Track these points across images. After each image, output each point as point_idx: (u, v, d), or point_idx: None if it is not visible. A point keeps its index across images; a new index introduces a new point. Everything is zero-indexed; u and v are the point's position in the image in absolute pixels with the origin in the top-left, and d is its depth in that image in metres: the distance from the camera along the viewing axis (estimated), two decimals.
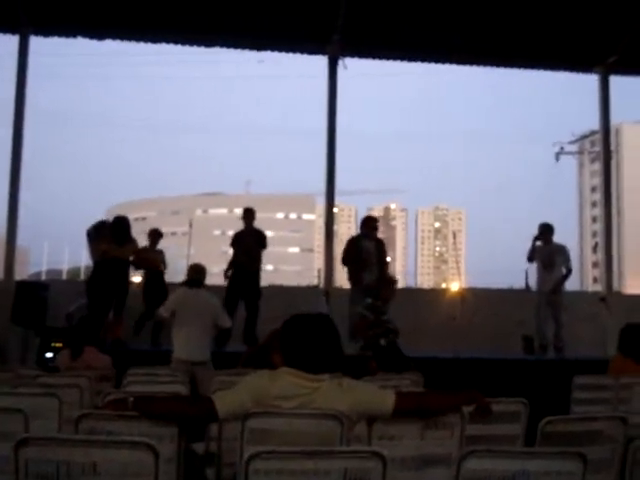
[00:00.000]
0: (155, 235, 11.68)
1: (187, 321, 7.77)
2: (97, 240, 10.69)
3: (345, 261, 10.69)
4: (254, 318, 10.54)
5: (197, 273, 8.35)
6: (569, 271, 11.22)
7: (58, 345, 8.88)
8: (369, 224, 11.02)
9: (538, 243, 11.23)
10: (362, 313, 8.67)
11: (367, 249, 10.62)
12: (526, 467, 2.77)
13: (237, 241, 11.06)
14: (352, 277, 10.67)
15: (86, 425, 3.21)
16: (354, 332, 8.86)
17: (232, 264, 11.03)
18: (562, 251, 11.18)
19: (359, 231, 11.42)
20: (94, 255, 10.73)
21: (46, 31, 11.60)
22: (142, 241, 11.34)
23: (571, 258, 11.38)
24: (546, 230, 11.19)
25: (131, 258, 10.72)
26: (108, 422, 3.24)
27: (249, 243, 10.98)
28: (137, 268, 11.36)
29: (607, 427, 3.62)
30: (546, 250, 11.09)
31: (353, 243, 10.90)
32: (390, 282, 9.42)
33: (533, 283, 12.04)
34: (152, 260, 11.21)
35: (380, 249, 10.87)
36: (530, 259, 11.22)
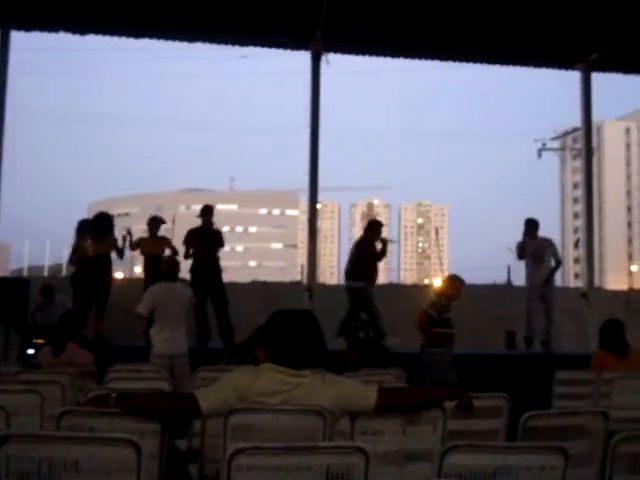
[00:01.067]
0: (153, 223, 11.47)
1: (166, 316, 7.77)
2: (78, 239, 10.71)
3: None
4: (225, 311, 10.50)
5: (171, 267, 8.35)
6: (558, 263, 11.33)
7: (39, 342, 8.83)
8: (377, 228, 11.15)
9: (525, 239, 11.23)
10: (427, 311, 8.79)
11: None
12: (508, 462, 2.79)
13: (196, 238, 10.92)
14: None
15: (68, 422, 3.19)
16: (419, 328, 8.94)
17: (193, 262, 10.88)
18: (549, 244, 11.27)
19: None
20: (76, 253, 10.72)
21: (28, 26, 11.51)
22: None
23: (558, 251, 11.48)
24: (532, 225, 11.22)
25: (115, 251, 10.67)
26: (90, 419, 3.23)
27: (209, 241, 10.89)
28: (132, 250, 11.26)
29: (588, 422, 3.64)
30: (534, 245, 11.11)
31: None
32: (454, 281, 9.43)
33: (518, 278, 12.09)
34: (151, 246, 11.10)
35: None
36: (520, 256, 11.26)
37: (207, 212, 11.06)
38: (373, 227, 11.15)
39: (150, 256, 11.03)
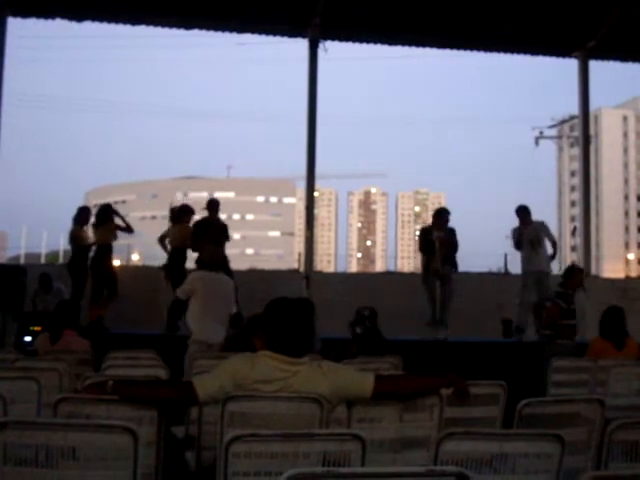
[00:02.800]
0: (174, 213, 11.31)
1: (207, 304, 7.70)
2: (76, 226, 10.75)
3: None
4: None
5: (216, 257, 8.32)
6: (554, 244, 11.22)
7: (37, 329, 8.83)
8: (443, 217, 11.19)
9: (519, 227, 11.13)
10: (555, 301, 8.74)
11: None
12: (504, 449, 2.79)
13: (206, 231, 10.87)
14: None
15: (65, 409, 3.19)
16: (545, 321, 8.93)
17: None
18: (543, 227, 11.17)
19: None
20: (74, 241, 10.74)
21: (24, 12, 11.47)
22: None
23: (552, 232, 11.38)
24: (524, 212, 11.14)
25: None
26: (87, 406, 3.23)
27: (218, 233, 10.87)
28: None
29: (584, 409, 3.65)
30: (529, 231, 11.02)
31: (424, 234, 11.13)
32: (578, 271, 9.44)
33: (515, 266, 12.00)
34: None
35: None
36: (518, 246, 11.16)
37: (212, 207, 11.03)
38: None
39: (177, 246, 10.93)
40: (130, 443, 2.75)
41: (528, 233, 10.98)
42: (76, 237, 10.72)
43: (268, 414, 3.26)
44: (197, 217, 11.19)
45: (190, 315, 7.73)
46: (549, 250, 11.14)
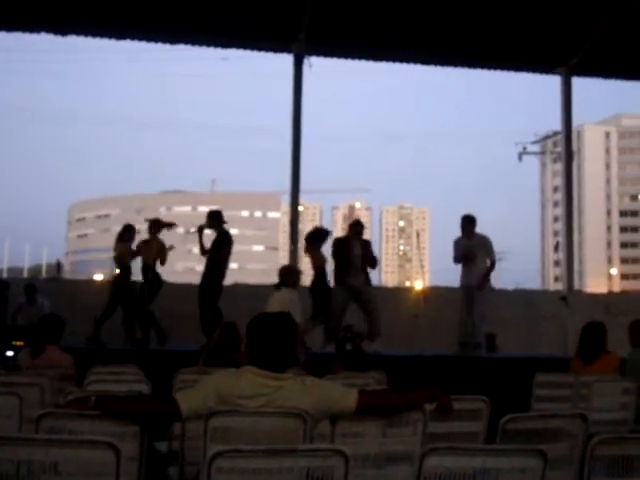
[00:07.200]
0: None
1: None
2: (122, 243, 10.88)
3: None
4: None
5: (280, 275, 8.30)
6: (492, 263, 10.78)
7: (18, 344, 8.77)
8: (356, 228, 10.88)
9: (459, 238, 10.76)
10: None
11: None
12: (487, 464, 2.80)
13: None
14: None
15: (47, 424, 3.17)
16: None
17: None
18: (484, 242, 10.64)
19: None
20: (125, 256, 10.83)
21: (8, 26, 11.46)
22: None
23: (494, 250, 10.83)
24: (467, 222, 10.70)
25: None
26: (69, 421, 3.21)
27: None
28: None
29: (567, 424, 3.66)
30: (468, 243, 10.56)
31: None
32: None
33: (498, 281, 11.79)
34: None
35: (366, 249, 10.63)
36: (457, 259, 10.69)
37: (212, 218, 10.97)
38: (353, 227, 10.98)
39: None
40: (112, 459, 2.73)
41: (466, 245, 10.58)
42: (124, 255, 10.80)
43: (251, 429, 3.25)
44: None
45: None
46: (486, 264, 10.71)
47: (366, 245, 10.67)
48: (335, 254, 10.57)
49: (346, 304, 10.37)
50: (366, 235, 11.02)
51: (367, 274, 10.58)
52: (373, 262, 10.63)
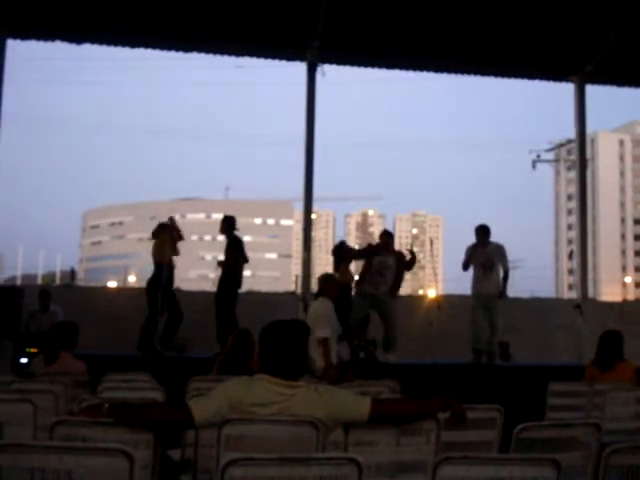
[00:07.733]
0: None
1: (333, 332, 7.74)
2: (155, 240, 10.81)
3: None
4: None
5: (318, 284, 8.33)
6: (506, 272, 10.78)
7: (33, 350, 8.81)
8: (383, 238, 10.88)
9: (474, 246, 10.72)
10: None
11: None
12: (501, 473, 2.79)
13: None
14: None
15: (61, 431, 3.18)
16: None
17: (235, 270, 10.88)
18: (500, 251, 10.74)
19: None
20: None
21: (24, 35, 11.52)
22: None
23: (508, 258, 10.87)
24: (481, 232, 10.73)
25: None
26: (83, 428, 3.22)
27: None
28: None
29: (581, 434, 3.64)
30: (484, 252, 10.60)
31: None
32: None
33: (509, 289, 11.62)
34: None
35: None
36: (465, 267, 10.69)
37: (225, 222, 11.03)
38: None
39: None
40: (126, 466, 2.74)
41: (483, 254, 10.61)
42: (154, 253, 10.75)
43: (265, 437, 3.25)
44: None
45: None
46: (501, 273, 10.74)
47: (400, 255, 10.70)
48: (365, 263, 10.64)
49: (366, 312, 10.42)
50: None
51: (393, 286, 10.53)
52: (410, 265, 10.70)
